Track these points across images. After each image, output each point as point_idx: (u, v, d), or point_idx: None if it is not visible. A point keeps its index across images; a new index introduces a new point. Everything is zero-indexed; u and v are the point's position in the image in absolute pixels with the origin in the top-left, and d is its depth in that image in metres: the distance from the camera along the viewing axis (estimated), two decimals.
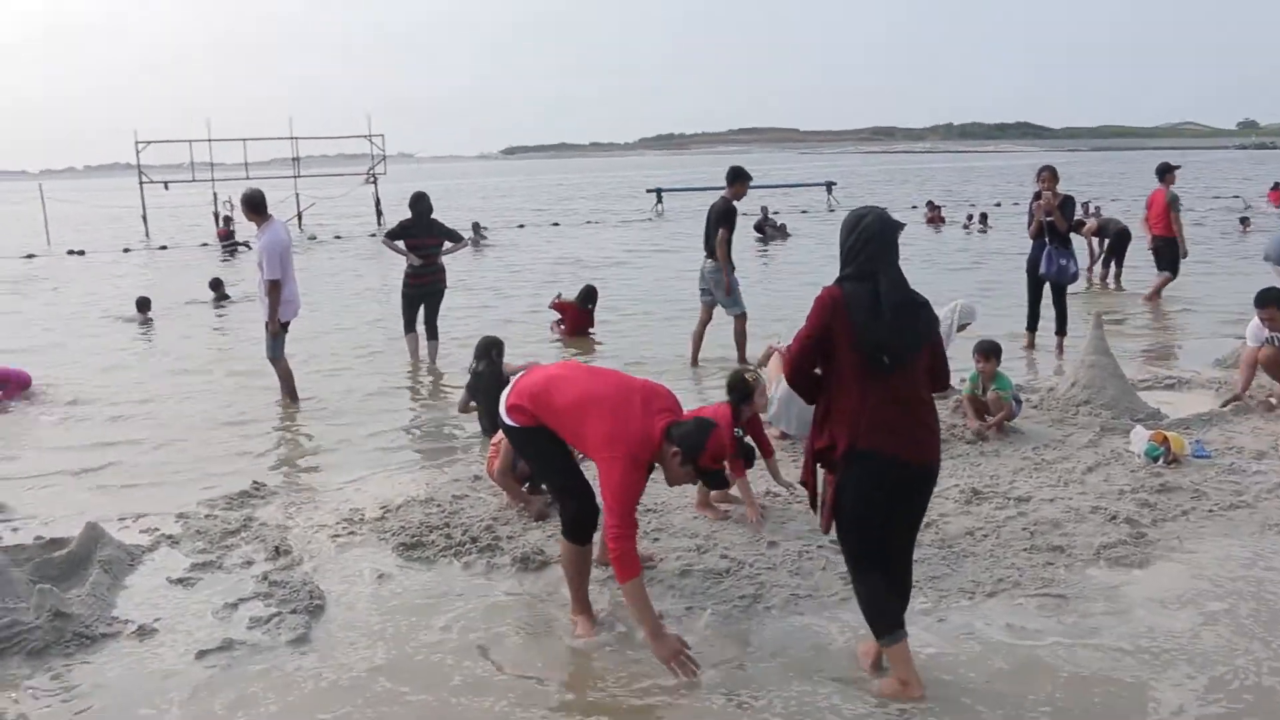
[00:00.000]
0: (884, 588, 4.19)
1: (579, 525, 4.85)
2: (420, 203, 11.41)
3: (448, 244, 11.52)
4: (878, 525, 4.14)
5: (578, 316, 13.38)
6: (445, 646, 4.85)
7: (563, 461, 5.00)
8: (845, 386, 4.08)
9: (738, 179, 10.83)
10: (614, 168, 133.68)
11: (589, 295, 13.55)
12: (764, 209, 29.17)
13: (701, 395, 9.38)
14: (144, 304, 16.39)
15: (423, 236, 11.33)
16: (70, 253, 29.39)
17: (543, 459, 5.03)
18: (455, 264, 13.49)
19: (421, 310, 11.53)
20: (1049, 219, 10.81)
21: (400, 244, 11.35)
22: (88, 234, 37.16)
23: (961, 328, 9.17)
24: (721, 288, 10.76)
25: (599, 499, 4.70)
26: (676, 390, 5.11)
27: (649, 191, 44.13)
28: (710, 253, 10.84)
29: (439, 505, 6.63)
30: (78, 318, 16.68)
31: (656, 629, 4.50)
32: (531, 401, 4.85)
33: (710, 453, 4.50)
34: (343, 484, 7.37)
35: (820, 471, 4.31)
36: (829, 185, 42.01)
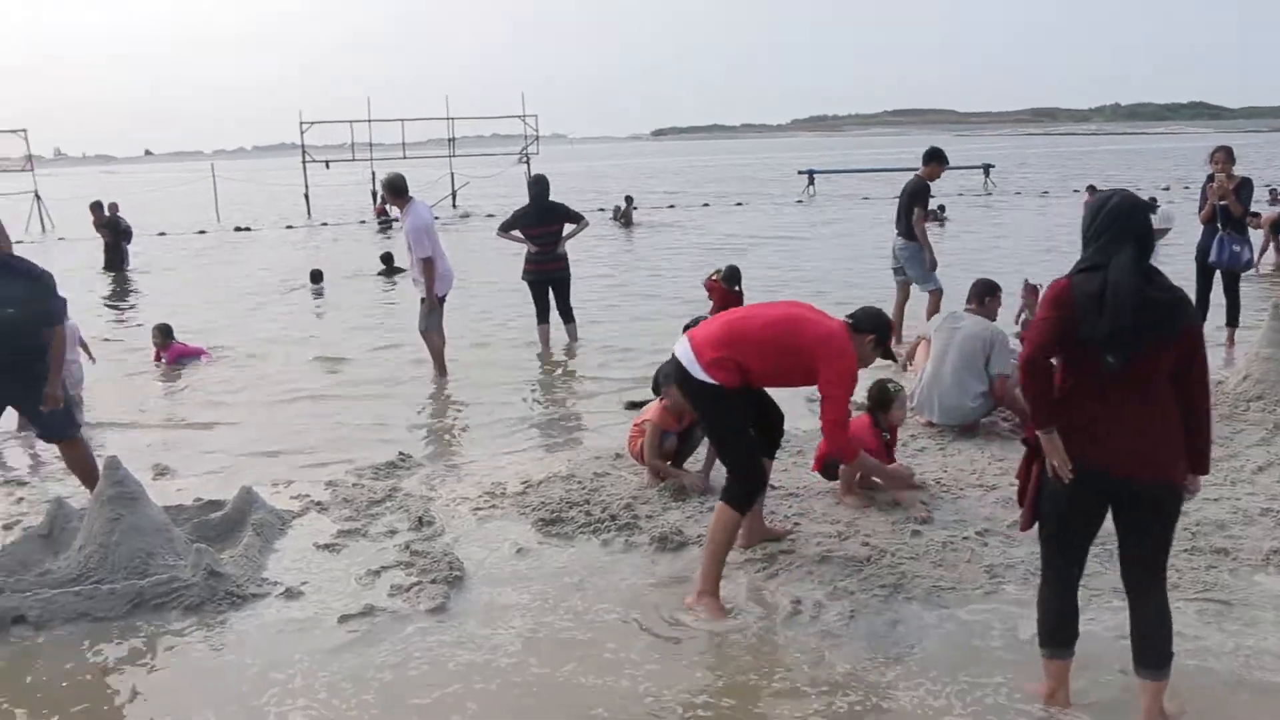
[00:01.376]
0: (1062, 602, 3.92)
1: (751, 493, 5.04)
2: (536, 186, 11.20)
3: (568, 227, 11.24)
4: (1071, 538, 3.85)
5: (725, 297, 13.26)
6: (580, 624, 4.85)
7: (741, 428, 5.11)
8: (1062, 383, 3.74)
9: (934, 159, 10.89)
10: (766, 149, 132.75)
11: (733, 276, 13.42)
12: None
13: None
14: (317, 275, 17.26)
15: (536, 225, 11.04)
16: (238, 229, 30.65)
17: (733, 422, 5.08)
18: (604, 245, 13.54)
19: (552, 298, 11.32)
20: (1222, 203, 10.25)
21: (516, 233, 11.13)
22: (253, 211, 38.69)
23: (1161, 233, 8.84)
24: (914, 264, 10.81)
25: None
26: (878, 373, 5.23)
27: (800, 173, 43.68)
28: (902, 231, 10.90)
29: (580, 482, 6.66)
30: (250, 289, 17.40)
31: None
32: (729, 348, 4.97)
33: (893, 330, 5.32)
34: (486, 458, 7.47)
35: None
36: (986, 168, 40.74)
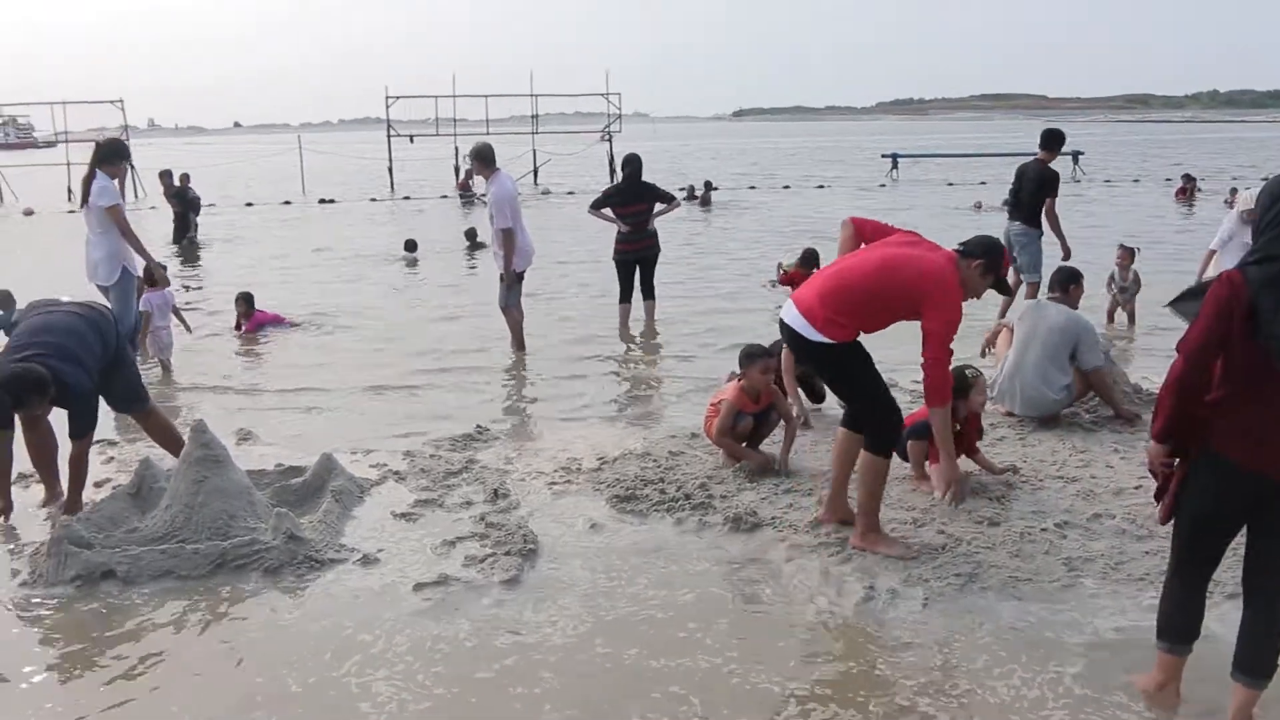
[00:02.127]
0: (1189, 598, 3.82)
1: (893, 436, 5.28)
2: (630, 165, 11.17)
3: (659, 206, 11.21)
4: (1211, 538, 3.73)
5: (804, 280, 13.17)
6: (652, 602, 4.86)
7: (875, 372, 5.23)
8: (1229, 380, 3.51)
9: (1057, 143, 10.84)
10: (849, 132, 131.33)
11: (811, 258, 13.31)
12: (977, 204, 27.40)
13: None
14: (411, 245, 17.74)
15: (629, 204, 11.02)
16: (321, 201, 31.10)
17: (864, 372, 5.20)
18: (683, 226, 13.50)
19: (637, 274, 11.32)
20: None
21: (607, 211, 11.11)
22: (338, 183, 39.24)
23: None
24: (1027, 252, 10.72)
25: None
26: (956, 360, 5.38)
27: (884, 157, 43.15)
28: (1020, 216, 10.79)
29: (655, 460, 6.67)
30: (336, 260, 17.69)
31: (951, 453, 5.56)
32: (839, 302, 5.05)
33: (1006, 261, 5.28)
34: (561, 433, 7.51)
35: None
36: (1075, 155, 39.83)
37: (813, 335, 5.08)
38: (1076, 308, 7.62)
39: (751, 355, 6.52)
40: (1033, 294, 10.51)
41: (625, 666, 4.32)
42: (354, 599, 4.92)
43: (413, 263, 17.18)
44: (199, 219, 21.49)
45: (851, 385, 5.37)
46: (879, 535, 5.26)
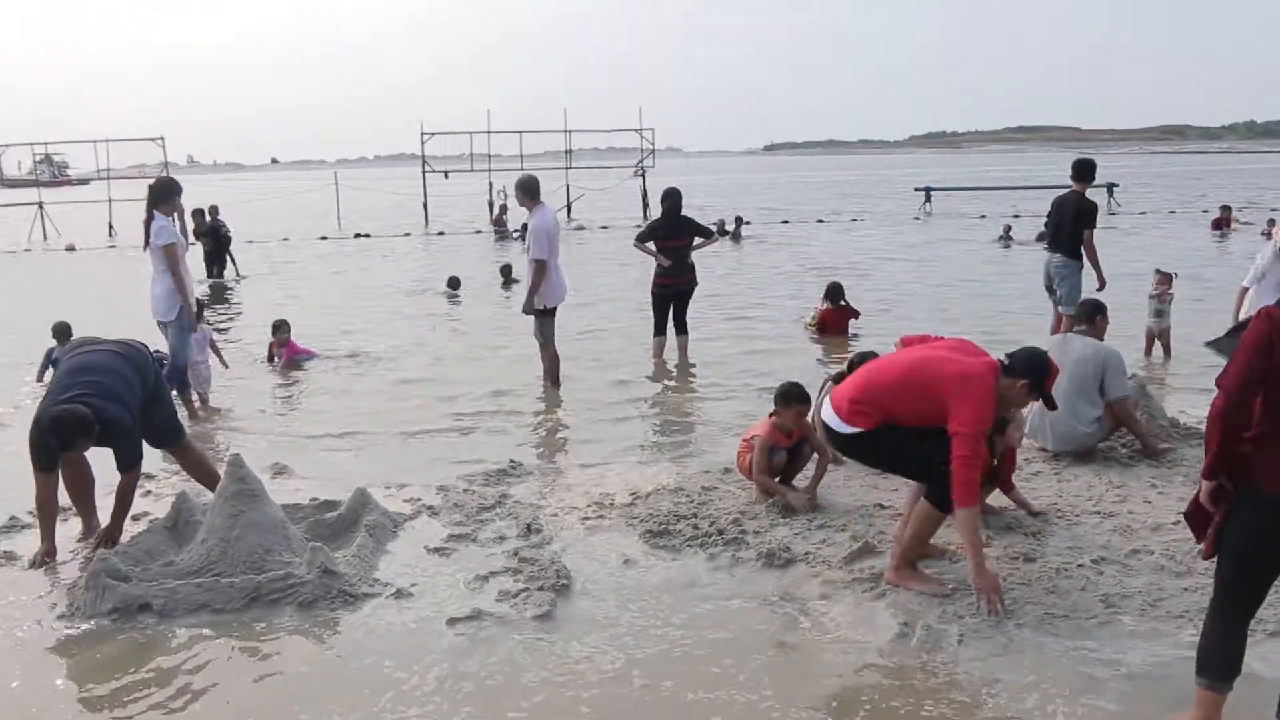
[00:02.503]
0: (1232, 634, 3.77)
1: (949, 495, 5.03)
2: (669, 199, 11.19)
3: (698, 240, 11.28)
4: (1256, 574, 3.70)
5: (836, 315, 13.20)
6: (685, 637, 4.85)
7: (917, 443, 5.13)
8: (1270, 415, 3.52)
9: (1091, 174, 10.88)
10: (882, 165, 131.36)
11: (836, 291, 13.37)
12: (1006, 227, 27.37)
13: None
14: (455, 282, 17.98)
15: (672, 238, 11.05)
16: (357, 235, 31.40)
17: (903, 448, 5.17)
18: (718, 262, 13.54)
19: (671, 308, 11.35)
20: None
21: (650, 245, 11.12)
22: (373, 218, 39.62)
23: None
24: (1068, 284, 10.64)
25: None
26: None
27: (917, 190, 43.09)
28: (1061, 249, 10.74)
29: (688, 495, 6.66)
30: (372, 295, 17.85)
31: (981, 559, 4.88)
32: (866, 393, 5.13)
33: (1052, 376, 5.12)
34: (594, 468, 7.51)
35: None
36: (1110, 187, 39.54)
37: (841, 428, 5.19)
38: (1103, 339, 7.57)
39: (788, 396, 6.51)
40: (1071, 327, 10.45)
41: (661, 701, 4.30)
42: (387, 633, 4.94)
43: (454, 298, 17.33)
44: (233, 254, 21.61)
45: (896, 465, 5.38)
46: (914, 572, 5.24)
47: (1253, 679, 4.15)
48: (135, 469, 6.03)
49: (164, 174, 33.05)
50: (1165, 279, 11.15)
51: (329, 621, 5.06)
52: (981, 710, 4.18)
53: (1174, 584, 5.19)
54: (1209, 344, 11.08)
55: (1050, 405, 5.24)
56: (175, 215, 9.18)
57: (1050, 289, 10.87)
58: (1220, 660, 3.79)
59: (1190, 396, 9.08)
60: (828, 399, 5.38)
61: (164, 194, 9.01)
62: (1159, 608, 4.95)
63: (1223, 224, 27.86)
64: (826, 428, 5.34)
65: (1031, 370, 5.07)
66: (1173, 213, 35.63)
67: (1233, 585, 3.74)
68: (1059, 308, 10.71)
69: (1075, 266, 10.69)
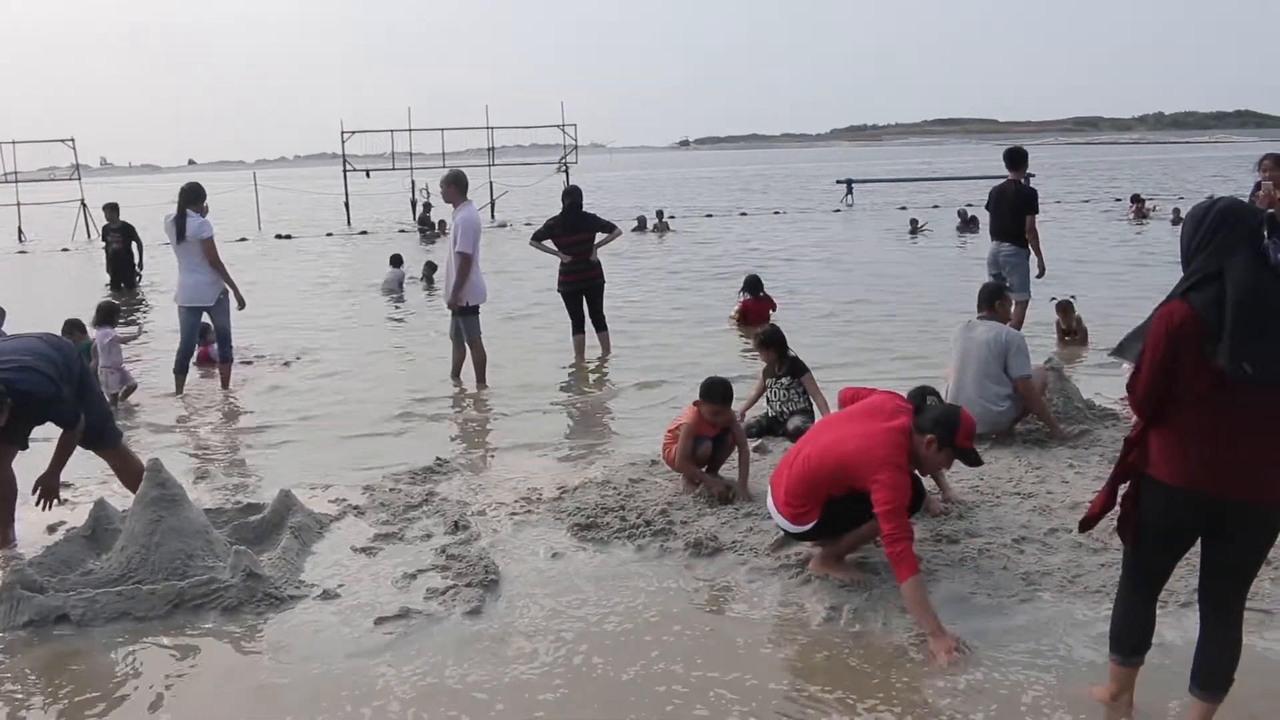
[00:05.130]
0: (1141, 611, 3.86)
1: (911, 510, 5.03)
2: (569, 197, 11.17)
3: (600, 236, 11.24)
4: (1162, 555, 3.77)
5: (757, 306, 13.33)
6: (616, 629, 4.86)
7: (856, 514, 5.06)
8: (1186, 410, 3.51)
9: (1024, 162, 11.26)
10: (805, 158, 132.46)
11: (754, 284, 13.53)
12: (961, 212, 27.79)
13: None
14: (397, 260, 18.24)
15: (570, 234, 11.02)
16: (278, 236, 30.96)
17: (849, 511, 5.09)
18: (638, 255, 13.57)
19: (585, 307, 11.33)
20: (1271, 211, 10.21)
21: (548, 243, 11.11)
22: (294, 219, 39.09)
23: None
24: (1016, 271, 10.87)
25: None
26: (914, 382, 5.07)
27: (838, 183, 43.55)
28: (1007, 237, 10.95)
29: (615, 488, 6.67)
30: (295, 294, 17.58)
31: (937, 626, 4.51)
32: (795, 495, 5.17)
33: (964, 431, 4.90)
34: (521, 464, 7.51)
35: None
36: (1026, 177, 40.30)
37: (795, 529, 5.25)
38: (1007, 321, 7.74)
39: (710, 392, 6.51)
40: (1022, 312, 10.65)
41: (593, 690, 4.32)
42: (315, 635, 4.88)
43: (394, 289, 17.40)
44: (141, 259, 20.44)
45: (856, 522, 5.15)
46: (840, 562, 5.29)
47: (1166, 650, 4.28)
48: (76, 427, 5.96)
49: (75, 176, 32.13)
50: (1065, 308, 11.45)
51: (254, 625, 4.99)
52: (908, 683, 4.26)
53: (1091, 560, 5.33)
54: (1112, 353, 11.34)
55: (970, 462, 5.04)
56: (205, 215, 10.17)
57: (997, 277, 10.98)
58: (1130, 636, 3.90)
59: (1104, 379, 9.29)
60: (770, 499, 5.37)
61: (196, 196, 10.08)
62: (1077, 584, 5.09)
63: (1138, 213, 28.63)
64: (782, 530, 5.40)
65: (936, 425, 4.90)
66: (1086, 201, 36.43)
67: (1138, 565, 3.84)
68: (1012, 295, 10.86)
69: (1023, 254, 10.90)
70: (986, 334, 7.43)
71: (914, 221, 26.68)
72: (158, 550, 5.33)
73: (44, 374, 5.80)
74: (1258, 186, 10.40)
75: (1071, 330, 11.33)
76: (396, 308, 16.15)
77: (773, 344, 8.00)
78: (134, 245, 19.84)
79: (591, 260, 11.13)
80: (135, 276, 19.98)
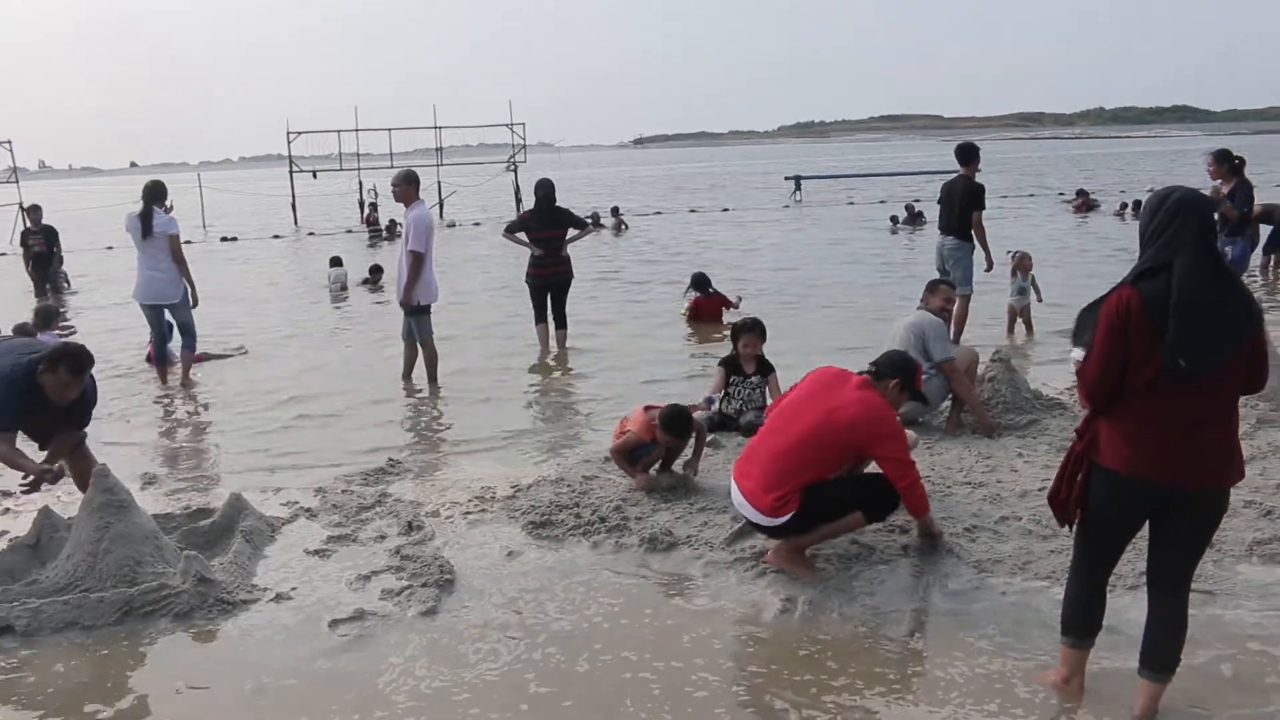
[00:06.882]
0: (1090, 594, 3.94)
1: (889, 507, 5.27)
2: (542, 190, 11.20)
3: (572, 231, 11.31)
4: (1111, 541, 3.84)
5: (708, 303, 13.37)
6: (571, 625, 4.86)
7: (843, 489, 5.24)
8: (1132, 399, 3.57)
9: (976, 156, 11.24)
10: (753, 156, 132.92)
11: (701, 281, 13.57)
12: (909, 207, 28.02)
13: None
14: (336, 261, 18.00)
15: (542, 229, 11.09)
16: (224, 239, 30.58)
17: (828, 502, 5.15)
18: (597, 253, 13.57)
19: (549, 300, 11.38)
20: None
21: (521, 235, 11.18)
22: (240, 221, 38.61)
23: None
24: (960, 266, 10.99)
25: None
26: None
27: (787, 179, 43.76)
28: (953, 231, 11.06)
29: (569, 485, 6.66)
30: (241, 296, 17.35)
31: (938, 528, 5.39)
32: (780, 477, 5.11)
33: (919, 374, 5.58)
34: (474, 463, 7.48)
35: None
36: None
37: (772, 521, 5.15)
38: (939, 311, 7.85)
39: (671, 424, 6.47)
40: (965, 306, 10.77)
41: (550, 686, 4.30)
42: (268, 639, 4.84)
43: (340, 282, 17.27)
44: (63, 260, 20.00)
45: (830, 516, 5.19)
46: (799, 556, 5.27)
47: (1114, 632, 4.34)
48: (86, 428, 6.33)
49: (12, 179, 31.47)
50: (1024, 256, 11.52)
51: (207, 631, 4.93)
52: (861, 670, 4.30)
53: (1041, 547, 5.40)
54: (1073, 345, 11.51)
55: (924, 401, 5.56)
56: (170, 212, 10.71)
57: (944, 271, 11.15)
58: (1082, 619, 3.97)
59: (1051, 370, 9.43)
60: (736, 487, 5.29)
61: (160, 193, 10.42)
62: (1028, 570, 5.15)
63: (1082, 207, 29.08)
64: (750, 523, 5.33)
65: (900, 370, 5.43)
66: (1031, 195, 36.89)
67: (1088, 550, 3.91)
68: (955, 289, 10.96)
69: (968, 248, 11.03)
70: (908, 320, 7.70)
71: (894, 219, 26.79)
72: (106, 557, 5.24)
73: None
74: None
75: (1026, 281, 11.47)
76: (338, 308, 16.00)
77: (763, 337, 8.15)
78: (55, 249, 19.32)
79: (562, 255, 11.19)
80: (62, 281, 19.64)
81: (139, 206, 10.26)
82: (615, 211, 29.36)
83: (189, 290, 10.39)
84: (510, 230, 11.37)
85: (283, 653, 4.69)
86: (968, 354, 7.84)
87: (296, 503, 6.61)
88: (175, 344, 10.84)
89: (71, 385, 5.83)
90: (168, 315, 10.46)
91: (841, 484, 5.28)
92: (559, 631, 4.79)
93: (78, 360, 5.83)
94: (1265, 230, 15.83)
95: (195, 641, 4.85)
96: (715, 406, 7.80)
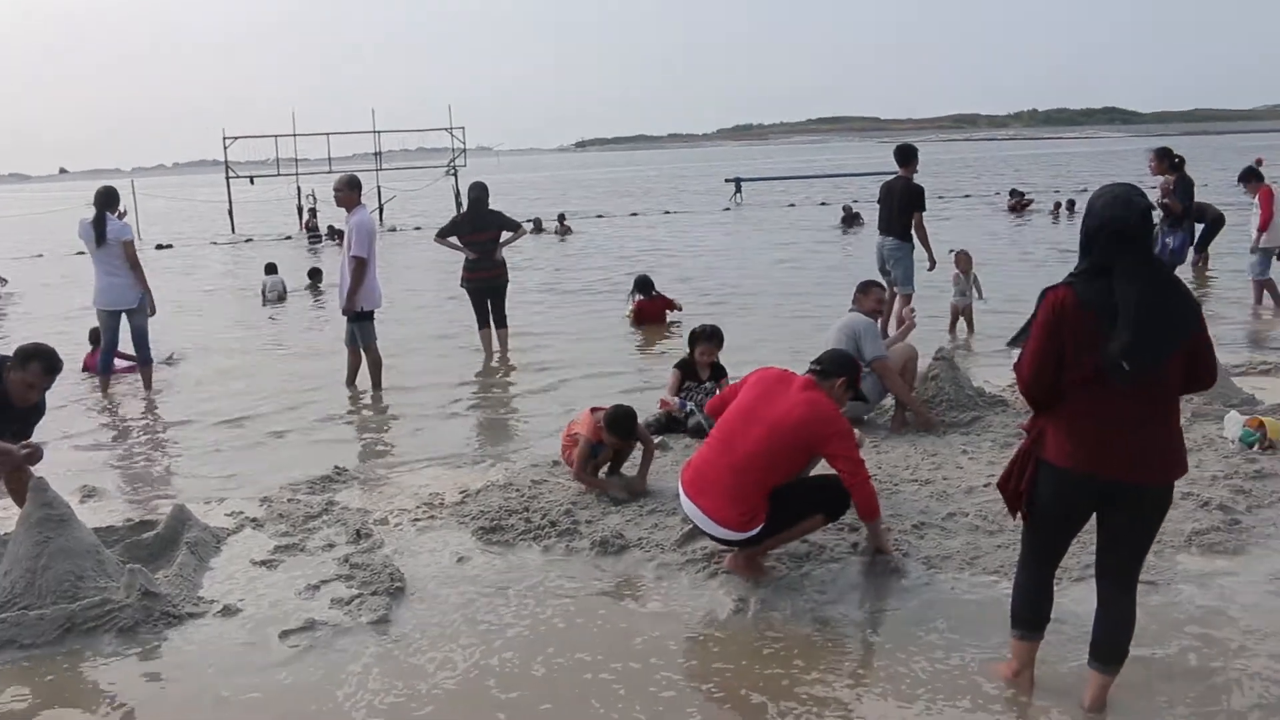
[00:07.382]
0: (1038, 587, 3.98)
1: (844, 504, 5.25)
2: (475, 192, 11.17)
3: (505, 234, 11.24)
4: (1057, 535, 3.89)
5: (651, 306, 13.38)
6: (525, 630, 4.83)
7: (801, 492, 5.25)
8: (1074, 396, 3.62)
9: (915, 157, 11.34)
10: (693, 158, 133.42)
11: (644, 284, 13.60)
12: (846, 207, 28.27)
13: None
14: (272, 268, 17.83)
15: (475, 232, 11.03)
16: (159, 246, 30.09)
17: (788, 508, 5.14)
18: (541, 257, 13.53)
19: (489, 304, 11.33)
20: (1164, 201, 11.13)
21: (453, 239, 11.12)
22: (175, 228, 38.03)
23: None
24: (901, 265, 11.11)
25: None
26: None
27: (727, 181, 43.98)
28: (893, 232, 11.16)
29: (518, 490, 6.64)
30: (181, 303, 17.07)
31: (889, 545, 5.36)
32: (744, 490, 5.04)
33: (860, 371, 5.65)
34: (423, 469, 7.42)
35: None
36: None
37: (738, 537, 5.10)
38: (870, 311, 7.96)
39: (616, 425, 6.47)
40: (905, 305, 10.88)
41: (506, 692, 4.28)
42: (217, 651, 4.76)
43: (276, 301, 16.99)
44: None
45: (799, 515, 5.21)
46: (755, 563, 5.25)
47: (1063, 624, 4.41)
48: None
49: None
50: (965, 257, 11.64)
51: (153, 645, 4.84)
52: (816, 668, 4.32)
53: (988, 542, 5.48)
54: (1009, 343, 11.68)
55: (861, 398, 5.62)
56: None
57: (884, 271, 11.25)
58: (1030, 611, 4.03)
59: (994, 368, 9.56)
60: (694, 506, 5.17)
61: (112, 199, 10.31)
62: (976, 565, 5.22)
63: (1017, 208, 29.53)
64: (715, 539, 5.23)
65: (846, 368, 5.50)
66: (968, 196, 37.37)
67: (1035, 544, 3.97)
68: (894, 288, 11.10)
69: (907, 249, 11.16)
70: (841, 322, 7.80)
71: (847, 208, 27.07)
72: (45, 573, 5.11)
73: None
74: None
75: (968, 283, 11.55)
76: (273, 318, 15.75)
77: (720, 345, 8.20)
78: None
79: (496, 259, 11.12)
80: None
81: (92, 213, 10.12)
82: (561, 218, 29.33)
83: (145, 296, 10.32)
84: (442, 234, 11.29)
85: (233, 665, 4.61)
86: (905, 350, 7.92)
87: (241, 513, 6.52)
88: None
89: (38, 386, 5.76)
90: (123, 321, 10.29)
91: (803, 487, 5.31)
92: (514, 638, 4.76)
93: (50, 359, 5.77)
94: (1197, 228, 16.21)
95: (141, 656, 4.75)
96: (690, 406, 7.77)
